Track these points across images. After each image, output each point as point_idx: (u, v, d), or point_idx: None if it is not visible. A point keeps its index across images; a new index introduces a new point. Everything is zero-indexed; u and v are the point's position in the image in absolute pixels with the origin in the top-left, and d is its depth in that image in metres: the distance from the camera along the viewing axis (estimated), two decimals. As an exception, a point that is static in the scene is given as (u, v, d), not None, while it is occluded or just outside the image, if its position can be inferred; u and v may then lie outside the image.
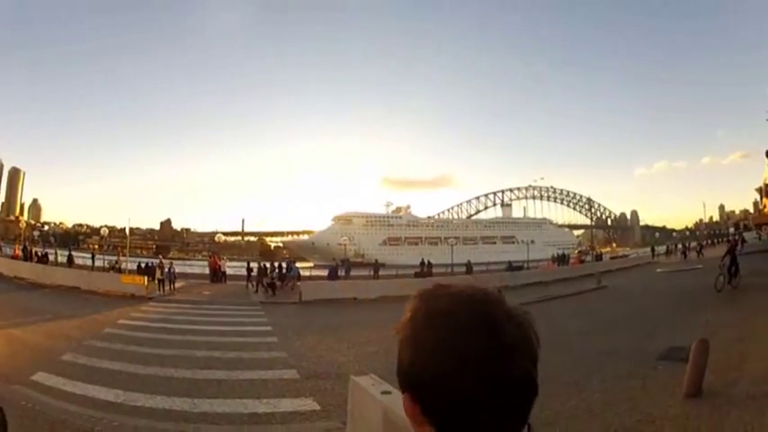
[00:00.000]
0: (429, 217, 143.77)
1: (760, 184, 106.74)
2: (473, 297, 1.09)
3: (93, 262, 47.84)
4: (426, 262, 51.88)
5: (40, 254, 46.00)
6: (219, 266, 44.51)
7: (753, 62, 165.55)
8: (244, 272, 42.28)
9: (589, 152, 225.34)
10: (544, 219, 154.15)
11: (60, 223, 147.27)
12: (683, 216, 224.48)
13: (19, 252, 46.16)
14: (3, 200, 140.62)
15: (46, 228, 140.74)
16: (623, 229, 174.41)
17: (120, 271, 41.17)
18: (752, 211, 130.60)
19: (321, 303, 29.22)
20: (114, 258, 49.61)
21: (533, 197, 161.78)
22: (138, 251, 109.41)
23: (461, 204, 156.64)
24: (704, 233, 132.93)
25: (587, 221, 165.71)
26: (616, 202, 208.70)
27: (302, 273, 43.15)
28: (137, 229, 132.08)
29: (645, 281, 37.39)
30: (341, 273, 44.25)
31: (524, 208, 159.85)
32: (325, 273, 46.69)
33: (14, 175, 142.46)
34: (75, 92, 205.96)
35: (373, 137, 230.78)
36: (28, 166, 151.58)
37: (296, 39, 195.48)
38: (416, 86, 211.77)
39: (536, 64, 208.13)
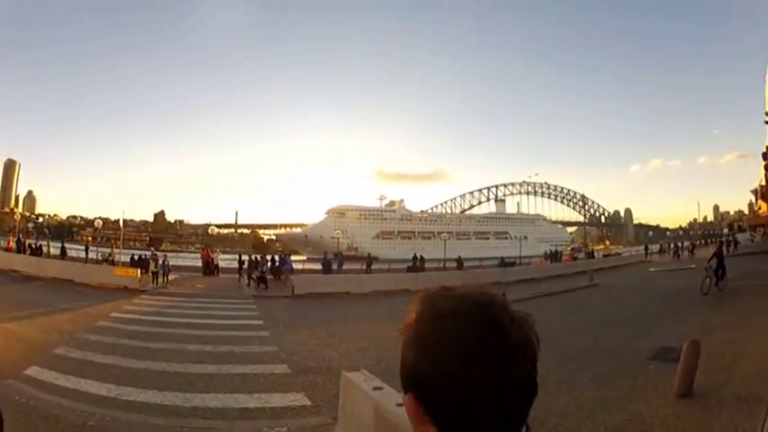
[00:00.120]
0: (422, 211, 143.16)
1: (756, 185, 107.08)
2: (478, 300, 1.11)
3: (87, 254, 47.69)
4: (419, 257, 51.97)
5: (33, 246, 45.94)
6: (212, 259, 44.37)
7: (751, 64, 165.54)
8: (236, 265, 42.30)
9: (584, 149, 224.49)
10: (538, 215, 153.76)
11: (54, 215, 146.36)
12: (678, 215, 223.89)
13: (13, 244, 46.07)
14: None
15: (40, 220, 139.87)
16: (617, 226, 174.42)
17: (113, 263, 41.14)
18: (747, 212, 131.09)
19: (313, 297, 29.16)
20: (108, 250, 49.63)
21: (527, 193, 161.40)
22: (132, 243, 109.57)
23: (455, 199, 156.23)
24: (698, 233, 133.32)
25: (581, 218, 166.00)
26: (610, 200, 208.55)
27: (295, 266, 43.16)
28: (130, 220, 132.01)
29: (637, 279, 37.55)
30: (334, 266, 44.25)
31: (518, 204, 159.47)
32: (317, 266, 46.80)
33: (10, 166, 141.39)
34: (71, 87, 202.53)
35: (368, 131, 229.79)
36: (23, 157, 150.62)
37: (294, 37, 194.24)
38: (412, 82, 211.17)
39: (532, 62, 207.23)
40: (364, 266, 49.32)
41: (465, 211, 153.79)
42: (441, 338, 1.06)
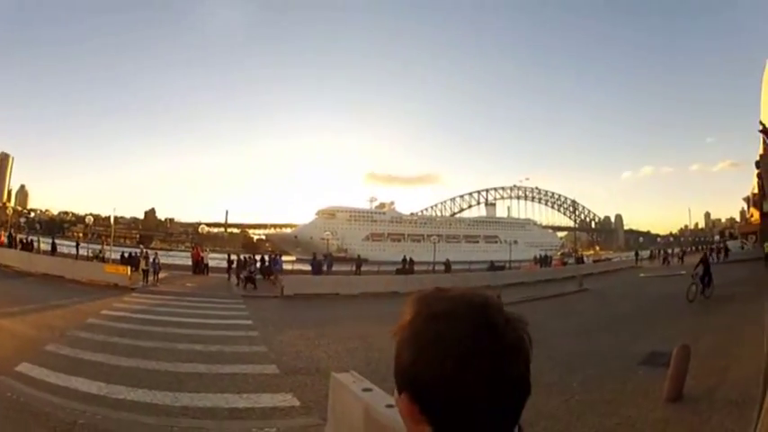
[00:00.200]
0: (412, 214, 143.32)
1: (748, 193, 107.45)
2: (473, 301, 1.13)
3: (78, 250, 47.36)
4: (408, 259, 52.10)
5: (24, 241, 45.64)
6: (202, 258, 44.27)
7: (746, 72, 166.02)
8: (226, 264, 42.39)
9: (576, 155, 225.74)
10: (528, 219, 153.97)
11: (46, 210, 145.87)
12: (669, 222, 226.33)
13: (4, 239, 45.72)
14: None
15: (32, 215, 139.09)
16: (607, 232, 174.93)
17: (103, 260, 40.94)
18: (738, 219, 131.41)
19: (302, 298, 29.15)
20: (98, 247, 49.35)
21: (518, 197, 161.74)
22: (122, 240, 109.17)
23: (445, 202, 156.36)
24: (689, 240, 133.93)
25: (571, 224, 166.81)
26: (601, 206, 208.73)
27: (285, 266, 43.11)
28: (121, 218, 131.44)
29: (627, 285, 37.81)
30: (324, 267, 44.27)
31: (508, 208, 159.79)
32: (307, 267, 46.86)
33: (3, 160, 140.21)
34: (67, 83, 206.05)
35: (359, 133, 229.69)
36: (16, 151, 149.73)
37: (289, 38, 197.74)
38: (405, 85, 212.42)
39: (526, 67, 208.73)
40: (354, 268, 49.35)
41: (455, 214, 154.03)
42: (436, 339, 1.08)
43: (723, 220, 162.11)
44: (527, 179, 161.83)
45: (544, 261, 69.54)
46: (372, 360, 12.43)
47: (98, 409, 8.80)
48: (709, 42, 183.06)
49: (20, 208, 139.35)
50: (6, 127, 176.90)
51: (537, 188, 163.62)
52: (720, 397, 9.04)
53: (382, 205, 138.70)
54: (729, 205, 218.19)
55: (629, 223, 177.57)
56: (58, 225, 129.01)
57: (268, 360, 13.30)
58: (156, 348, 13.96)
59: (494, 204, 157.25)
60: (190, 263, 45.52)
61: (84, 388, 9.86)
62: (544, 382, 9.99)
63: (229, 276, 38.55)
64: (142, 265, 33.26)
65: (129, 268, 31.88)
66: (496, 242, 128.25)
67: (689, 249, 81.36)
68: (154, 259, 34.44)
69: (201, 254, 45.53)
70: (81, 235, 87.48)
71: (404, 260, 52.02)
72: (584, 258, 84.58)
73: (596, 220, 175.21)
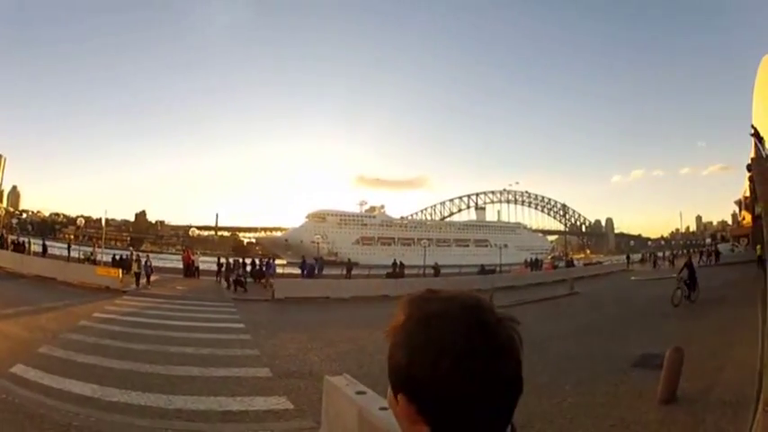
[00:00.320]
0: (402, 217, 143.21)
1: (740, 196, 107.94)
2: (465, 301, 1.15)
3: (69, 252, 47.13)
4: (398, 263, 52.05)
5: (16, 242, 45.34)
6: (193, 261, 44.21)
7: (737, 76, 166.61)
8: (216, 267, 42.38)
9: (565, 159, 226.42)
10: (518, 223, 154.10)
11: (38, 212, 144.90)
12: (659, 225, 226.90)
13: (-5, 240, 45.42)
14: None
15: (24, 216, 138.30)
16: (598, 236, 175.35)
17: (95, 263, 40.72)
18: (730, 222, 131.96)
19: (293, 301, 29.25)
20: (89, 249, 49.14)
21: (508, 201, 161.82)
22: (113, 243, 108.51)
23: (435, 206, 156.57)
24: (679, 243, 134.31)
25: (561, 227, 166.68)
26: (591, 209, 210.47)
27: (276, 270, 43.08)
28: (112, 220, 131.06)
29: (618, 288, 37.94)
30: (315, 271, 44.25)
31: (498, 212, 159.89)
32: (297, 270, 47.12)
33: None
34: (61, 85, 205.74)
35: (349, 137, 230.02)
36: (9, 152, 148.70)
37: (281, 42, 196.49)
38: (394, 89, 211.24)
39: (516, 71, 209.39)
40: (344, 271, 49.29)
41: (445, 218, 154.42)
42: (431, 339, 1.09)
43: (714, 224, 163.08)
44: (517, 183, 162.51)
45: (535, 264, 69.67)
46: (365, 363, 12.49)
47: (92, 411, 8.78)
48: (699, 47, 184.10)
49: (11, 209, 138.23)
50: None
51: (527, 192, 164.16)
52: (714, 398, 9.08)
53: (372, 209, 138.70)
54: (720, 209, 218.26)
55: (620, 227, 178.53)
56: (49, 227, 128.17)
57: (261, 363, 13.28)
58: (149, 351, 13.91)
59: (484, 208, 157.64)
60: (180, 266, 45.40)
61: (78, 390, 9.84)
62: (537, 384, 10.02)
63: (219, 280, 38.56)
64: (134, 267, 33.18)
65: (120, 271, 31.73)
66: (487, 246, 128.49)
67: (679, 252, 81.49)
68: (146, 262, 34.35)
69: (192, 257, 45.48)
70: (72, 237, 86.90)
71: (394, 264, 52.07)
72: (575, 262, 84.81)
73: (587, 223, 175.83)
